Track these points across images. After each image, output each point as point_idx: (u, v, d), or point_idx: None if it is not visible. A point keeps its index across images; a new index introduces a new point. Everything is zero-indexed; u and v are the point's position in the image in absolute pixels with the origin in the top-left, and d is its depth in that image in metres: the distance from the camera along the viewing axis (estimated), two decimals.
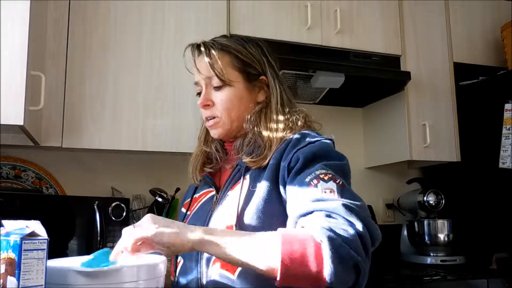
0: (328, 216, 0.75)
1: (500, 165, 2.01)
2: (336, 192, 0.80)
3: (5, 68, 1.31)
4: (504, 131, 2.02)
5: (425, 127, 2.15)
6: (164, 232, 0.75)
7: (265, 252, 0.73)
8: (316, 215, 0.77)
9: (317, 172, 0.83)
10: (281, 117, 1.00)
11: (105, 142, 1.67)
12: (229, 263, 0.77)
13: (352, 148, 2.45)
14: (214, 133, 1.05)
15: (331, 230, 0.72)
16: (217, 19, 1.86)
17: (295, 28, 1.98)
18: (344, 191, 0.81)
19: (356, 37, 2.09)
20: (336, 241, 0.70)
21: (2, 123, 1.30)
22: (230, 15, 1.89)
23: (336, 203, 0.77)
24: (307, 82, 2.05)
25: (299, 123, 1.00)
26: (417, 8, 2.26)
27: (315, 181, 0.81)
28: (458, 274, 1.87)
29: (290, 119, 1.00)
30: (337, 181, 0.82)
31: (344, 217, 0.75)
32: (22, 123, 1.31)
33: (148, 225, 0.76)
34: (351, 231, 0.73)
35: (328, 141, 0.94)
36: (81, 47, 1.68)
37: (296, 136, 0.95)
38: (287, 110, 1.02)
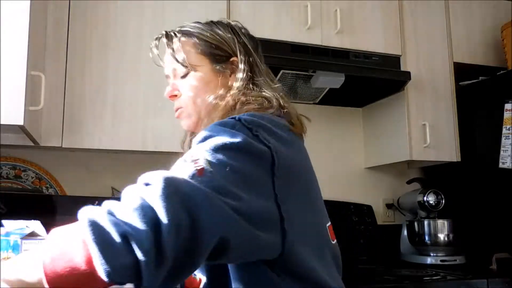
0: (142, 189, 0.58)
1: (500, 165, 2.01)
2: (186, 175, 0.62)
3: (5, 68, 1.31)
4: (504, 131, 2.02)
5: (425, 127, 2.15)
6: None
7: (28, 263, 0.58)
8: (125, 194, 0.59)
9: (187, 154, 0.66)
10: (230, 100, 0.86)
11: (105, 142, 1.67)
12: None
13: (352, 148, 2.45)
14: (184, 124, 0.96)
15: (106, 210, 0.55)
16: (217, 19, 1.86)
17: (295, 28, 1.98)
18: (199, 177, 0.61)
19: (356, 37, 2.09)
20: (101, 219, 0.53)
21: (2, 123, 1.30)
22: (230, 15, 1.89)
23: (160, 175, 0.60)
24: (307, 82, 2.05)
25: (238, 105, 0.84)
26: (417, 8, 2.26)
27: (178, 162, 0.67)
28: (458, 274, 1.87)
29: (230, 103, 0.85)
30: (197, 166, 0.63)
31: (144, 191, 0.57)
32: (22, 123, 1.31)
33: None
34: (136, 203, 0.54)
35: (228, 121, 0.73)
36: (81, 47, 1.68)
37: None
38: (247, 91, 0.88)
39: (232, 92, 0.88)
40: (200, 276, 0.78)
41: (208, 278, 0.76)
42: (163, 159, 2.24)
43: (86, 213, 0.55)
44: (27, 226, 0.70)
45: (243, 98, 0.85)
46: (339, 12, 2.04)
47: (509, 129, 2.01)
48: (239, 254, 0.63)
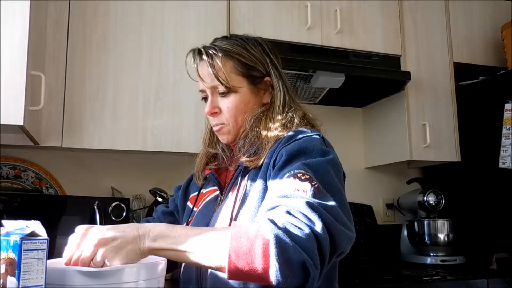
0: (288, 213, 0.73)
1: (500, 165, 2.01)
2: (308, 194, 0.76)
3: (5, 68, 1.31)
4: (504, 131, 2.02)
5: (425, 127, 2.15)
6: (109, 256, 0.74)
7: (215, 249, 0.73)
8: (277, 211, 0.74)
9: (296, 171, 0.80)
10: (279, 117, 0.99)
11: (105, 142, 1.67)
12: (185, 263, 0.78)
13: (352, 148, 2.45)
14: (223, 139, 1.05)
15: (283, 228, 0.69)
16: (217, 19, 1.87)
17: (295, 28, 1.98)
18: (318, 194, 0.76)
19: (356, 37, 2.09)
20: (284, 240, 0.68)
21: (2, 123, 1.30)
22: (230, 15, 1.89)
23: (301, 200, 0.74)
24: (307, 82, 2.05)
25: (296, 120, 0.99)
26: (417, 8, 2.26)
27: (291, 179, 0.79)
28: (458, 274, 1.87)
29: (287, 118, 0.99)
30: (313, 183, 0.78)
31: (305, 215, 0.72)
32: (22, 123, 1.31)
33: (91, 250, 0.74)
34: (307, 230, 0.70)
35: (315, 136, 0.91)
36: (81, 47, 1.68)
37: (289, 133, 0.94)
38: (287, 109, 1.01)
39: (275, 111, 1.00)
40: None
41: None
42: (163, 159, 2.24)
43: (270, 225, 0.70)
44: (27, 226, 0.70)
45: (297, 120, 0.98)
46: (339, 12, 2.04)
47: (509, 129, 2.01)
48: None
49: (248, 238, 0.70)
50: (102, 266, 0.74)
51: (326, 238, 0.70)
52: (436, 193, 2.22)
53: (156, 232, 0.77)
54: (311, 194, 0.76)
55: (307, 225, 0.70)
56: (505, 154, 2.00)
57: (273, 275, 0.67)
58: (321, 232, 0.70)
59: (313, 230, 0.70)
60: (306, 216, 0.72)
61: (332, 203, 0.76)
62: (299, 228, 0.70)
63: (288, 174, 0.81)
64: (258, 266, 0.68)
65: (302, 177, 0.79)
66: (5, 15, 1.33)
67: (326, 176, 0.82)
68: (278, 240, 0.68)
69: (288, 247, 0.67)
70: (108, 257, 0.73)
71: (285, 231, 0.69)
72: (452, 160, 2.21)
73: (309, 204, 0.73)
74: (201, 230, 0.78)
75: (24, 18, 1.35)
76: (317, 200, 0.75)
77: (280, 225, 0.70)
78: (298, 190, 0.77)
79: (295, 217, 0.72)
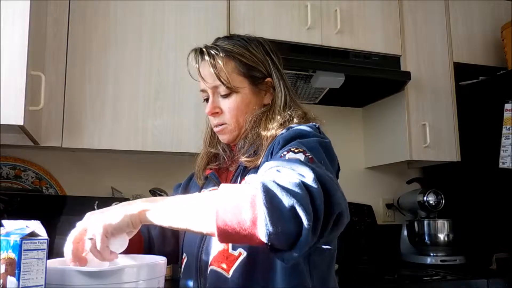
0: (278, 171, 0.70)
1: (500, 165, 2.01)
2: (302, 159, 0.75)
3: (5, 68, 1.31)
4: (504, 131, 2.02)
5: (425, 127, 2.15)
6: (96, 222, 0.75)
7: (204, 207, 0.71)
8: (268, 171, 0.73)
9: (289, 147, 0.81)
10: (279, 117, 1.00)
11: (105, 142, 1.67)
12: (177, 229, 0.75)
13: (352, 148, 2.45)
14: (224, 139, 1.05)
15: (272, 180, 0.66)
16: (217, 19, 1.87)
17: (295, 28, 1.98)
18: (311, 163, 0.74)
19: (356, 37, 2.09)
20: (271, 189, 0.64)
21: (2, 123, 1.30)
22: (230, 15, 1.89)
23: (293, 162, 0.72)
24: (307, 82, 2.05)
25: (295, 120, 0.99)
26: (417, 8, 2.26)
27: (285, 153, 0.79)
28: (458, 274, 1.87)
29: (285, 117, 0.99)
30: (307, 155, 0.77)
31: (295, 171, 0.69)
32: (22, 123, 1.31)
33: (81, 227, 0.77)
34: (296, 181, 0.66)
35: (311, 125, 0.93)
36: (81, 47, 1.68)
37: (285, 129, 0.94)
38: (287, 110, 1.02)
39: (276, 111, 1.01)
40: (240, 250, 0.87)
41: (248, 252, 0.86)
42: (163, 159, 2.23)
43: (258, 179, 0.66)
44: (27, 226, 0.70)
45: (296, 120, 0.98)
46: (339, 12, 2.04)
47: (509, 129, 2.01)
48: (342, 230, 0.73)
49: (236, 193, 0.67)
50: (104, 258, 0.75)
51: (319, 190, 0.66)
52: (436, 193, 2.22)
53: (146, 199, 0.79)
54: (305, 160, 0.75)
55: (297, 178, 0.67)
56: (505, 154, 2.00)
57: (262, 225, 0.62)
58: (312, 183, 0.66)
59: (303, 182, 0.66)
60: (297, 172, 0.69)
61: (326, 171, 0.73)
62: (288, 180, 0.66)
63: (282, 150, 0.82)
64: (246, 216, 0.64)
65: (296, 150, 0.79)
66: (5, 15, 1.33)
67: (321, 156, 0.81)
68: (265, 189, 0.64)
69: (275, 194, 0.63)
70: (94, 223, 0.75)
71: (273, 181, 0.66)
72: (452, 160, 2.21)
73: (301, 162, 0.71)
74: (193, 194, 0.79)
75: (24, 18, 1.35)
76: (310, 164, 0.73)
77: (269, 178, 0.67)
78: (291, 159, 0.75)
79: (285, 172, 0.69)
